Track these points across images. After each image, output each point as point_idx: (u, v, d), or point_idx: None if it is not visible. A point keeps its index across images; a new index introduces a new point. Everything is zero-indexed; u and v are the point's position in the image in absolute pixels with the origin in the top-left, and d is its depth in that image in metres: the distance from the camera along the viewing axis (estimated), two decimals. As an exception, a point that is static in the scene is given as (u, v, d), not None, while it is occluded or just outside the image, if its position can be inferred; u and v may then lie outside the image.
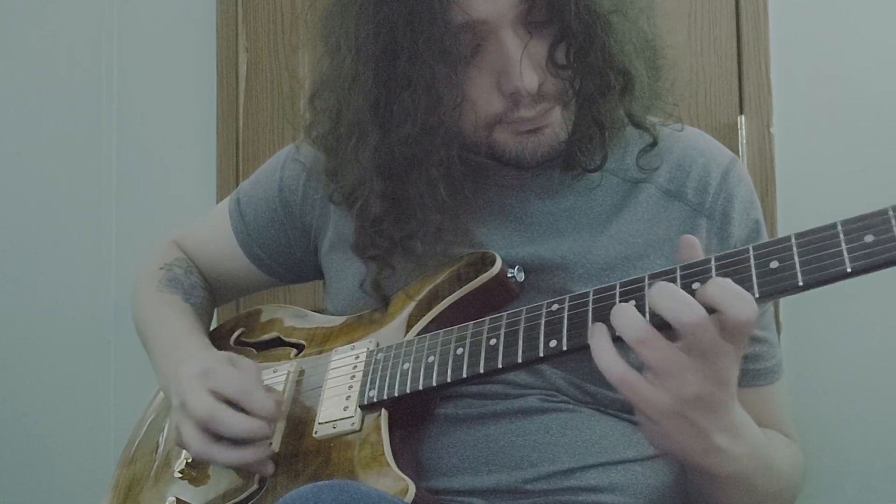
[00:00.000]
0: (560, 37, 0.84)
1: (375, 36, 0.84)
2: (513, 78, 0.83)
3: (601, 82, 0.86)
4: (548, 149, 0.89)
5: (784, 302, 1.39)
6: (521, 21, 0.83)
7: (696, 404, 0.68)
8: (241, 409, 0.85)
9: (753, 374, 0.92)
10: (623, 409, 0.88)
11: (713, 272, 0.68)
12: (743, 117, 1.43)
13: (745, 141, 1.42)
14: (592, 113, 0.87)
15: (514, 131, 0.87)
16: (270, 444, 0.88)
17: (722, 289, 0.65)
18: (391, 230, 0.90)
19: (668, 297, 0.66)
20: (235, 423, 0.84)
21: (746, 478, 0.77)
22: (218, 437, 0.85)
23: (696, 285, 0.68)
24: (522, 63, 0.82)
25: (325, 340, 0.98)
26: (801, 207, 1.41)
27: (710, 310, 0.66)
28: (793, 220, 1.40)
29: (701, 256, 0.71)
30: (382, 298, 0.94)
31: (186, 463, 0.95)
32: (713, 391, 0.68)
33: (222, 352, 0.96)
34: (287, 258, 1.10)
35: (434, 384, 0.82)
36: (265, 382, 0.93)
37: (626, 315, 0.68)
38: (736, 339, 0.66)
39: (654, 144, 0.93)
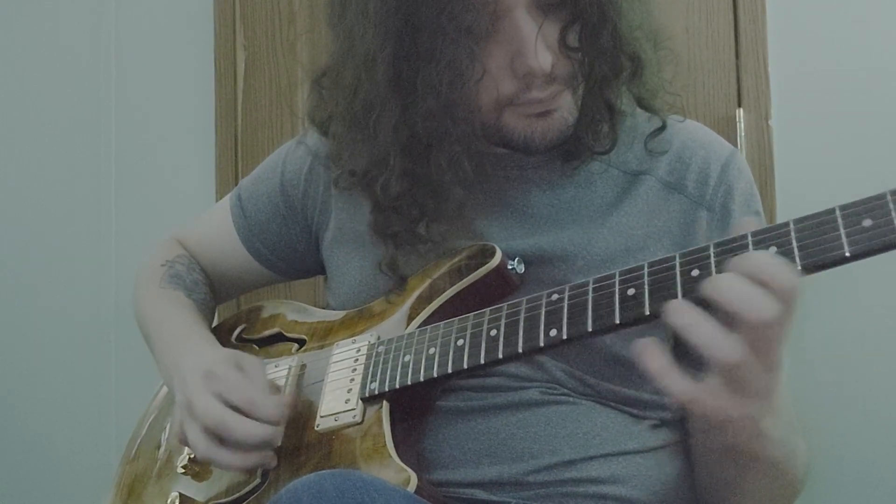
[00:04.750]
0: (572, 18, 0.84)
1: (396, 11, 0.83)
2: (527, 58, 0.83)
3: (612, 65, 0.86)
4: (557, 133, 0.88)
5: (784, 294, 1.39)
6: (535, 2, 0.83)
7: (757, 398, 0.67)
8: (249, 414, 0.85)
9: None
10: (624, 402, 0.88)
11: (712, 259, 0.68)
12: (741, 110, 1.43)
13: (743, 134, 1.43)
14: (603, 95, 0.87)
15: (524, 114, 0.87)
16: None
17: (770, 263, 0.64)
18: (409, 208, 0.90)
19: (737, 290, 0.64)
20: (245, 430, 0.84)
21: (776, 462, 0.78)
22: (223, 441, 0.85)
23: (695, 272, 0.68)
24: (537, 43, 0.82)
25: (326, 335, 0.98)
26: (800, 200, 1.40)
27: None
28: (792, 212, 1.37)
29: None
30: (400, 279, 0.93)
31: (189, 458, 0.96)
32: (769, 381, 0.67)
33: (227, 350, 0.95)
34: (289, 253, 1.10)
35: (435, 375, 0.82)
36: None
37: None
38: (791, 316, 0.64)
39: (662, 128, 0.93)
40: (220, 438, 0.85)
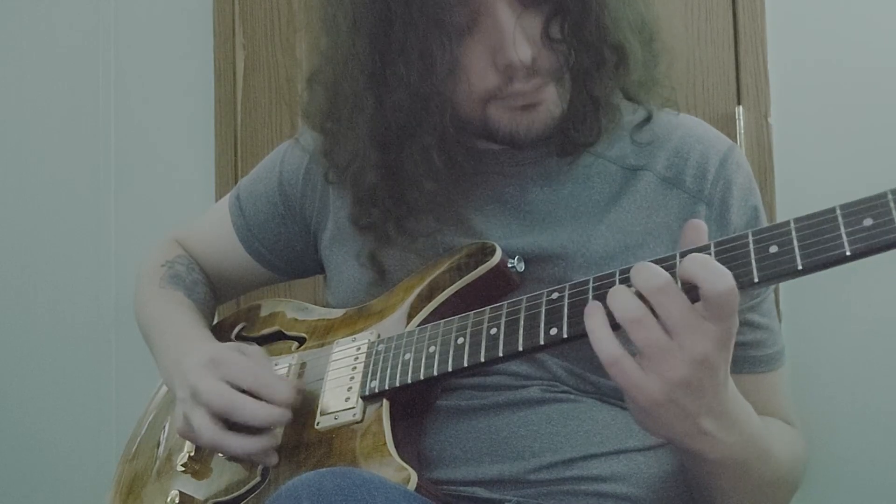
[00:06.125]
0: (555, 11, 0.84)
1: (371, 6, 0.84)
2: (507, 51, 0.83)
3: (595, 57, 0.86)
4: (542, 126, 0.88)
5: (784, 291, 1.39)
6: None
7: (684, 388, 0.68)
8: (256, 397, 0.85)
9: (754, 360, 0.92)
10: (625, 399, 0.88)
11: (713, 257, 0.68)
12: (741, 108, 1.43)
13: (742, 131, 1.43)
14: (587, 88, 0.87)
15: (508, 107, 0.87)
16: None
17: (696, 264, 0.66)
18: (386, 201, 0.91)
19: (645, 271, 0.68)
20: (256, 411, 0.84)
21: (741, 464, 0.77)
22: (229, 426, 0.85)
23: None
24: (516, 35, 0.83)
25: (326, 333, 0.98)
26: (800, 198, 1.41)
27: (691, 288, 0.67)
28: (791, 210, 1.39)
29: (705, 241, 0.72)
30: (380, 271, 0.94)
31: (189, 456, 0.96)
32: (699, 375, 0.68)
33: (228, 342, 0.96)
34: (288, 253, 1.10)
35: (435, 373, 0.82)
36: None
37: (621, 296, 0.69)
38: (719, 318, 0.66)
39: (648, 119, 0.93)
40: (225, 423, 0.85)
